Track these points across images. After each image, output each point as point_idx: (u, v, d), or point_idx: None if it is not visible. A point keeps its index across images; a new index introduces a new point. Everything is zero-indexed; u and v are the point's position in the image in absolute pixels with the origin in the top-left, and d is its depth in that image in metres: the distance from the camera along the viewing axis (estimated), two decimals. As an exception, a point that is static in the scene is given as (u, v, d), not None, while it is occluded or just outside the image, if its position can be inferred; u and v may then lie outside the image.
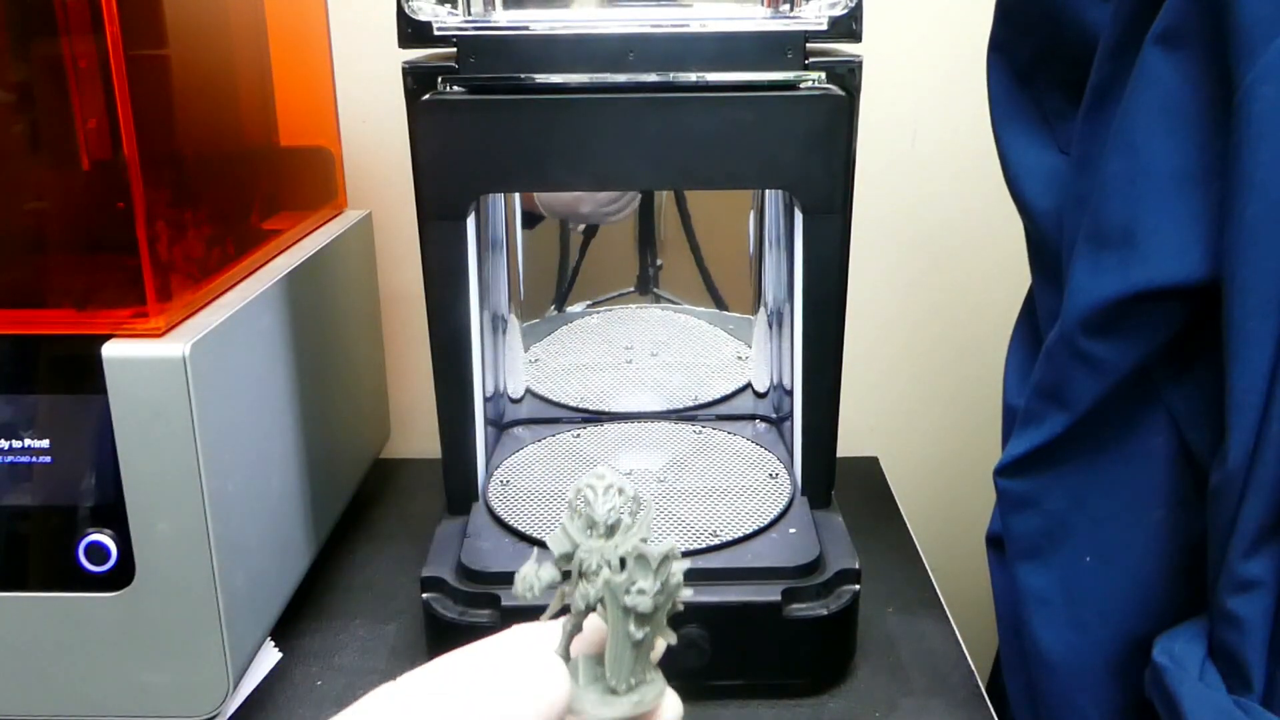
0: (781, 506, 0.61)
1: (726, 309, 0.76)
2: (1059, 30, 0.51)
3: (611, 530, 0.29)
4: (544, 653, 0.28)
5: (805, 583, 0.55)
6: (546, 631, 0.30)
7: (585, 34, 0.53)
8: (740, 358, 0.76)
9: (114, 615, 0.51)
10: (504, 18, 0.54)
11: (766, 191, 0.69)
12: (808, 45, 0.53)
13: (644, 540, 0.29)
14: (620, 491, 0.29)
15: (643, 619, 0.29)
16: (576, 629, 0.30)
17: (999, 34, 0.55)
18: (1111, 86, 0.47)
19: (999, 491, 0.53)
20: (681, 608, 0.30)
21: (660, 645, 0.30)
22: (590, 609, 0.29)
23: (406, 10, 0.53)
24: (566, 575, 0.29)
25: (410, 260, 0.61)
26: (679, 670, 0.54)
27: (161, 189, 0.52)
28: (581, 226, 0.74)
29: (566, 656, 0.30)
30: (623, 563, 0.28)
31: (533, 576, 0.30)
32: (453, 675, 0.28)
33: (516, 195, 0.70)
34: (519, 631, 0.30)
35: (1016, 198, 0.55)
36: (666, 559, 0.29)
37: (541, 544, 0.61)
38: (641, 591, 0.28)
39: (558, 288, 0.75)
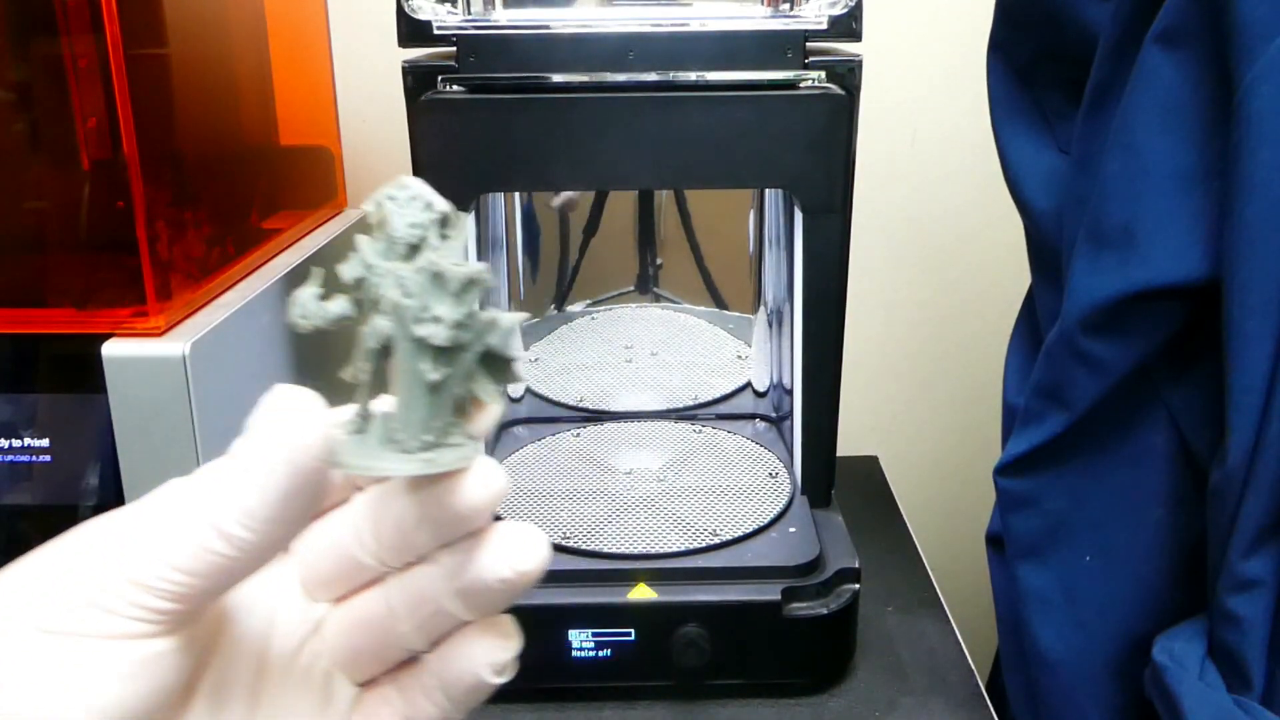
0: (781, 506, 0.61)
1: (726, 308, 0.76)
2: (1059, 30, 0.51)
3: (414, 252, 0.24)
4: (301, 393, 0.23)
5: (805, 582, 0.55)
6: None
7: (585, 33, 0.52)
8: (740, 357, 0.76)
9: (114, 615, 0.51)
10: (504, 17, 0.54)
11: (766, 191, 0.69)
12: (807, 45, 0.53)
13: (456, 266, 0.23)
14: (428, 206, 0.24)
15: (441, 356, 0.23)
16: (372, 374, 0.24)
17: (999, 33, 0.55)
18: (1111, 86, 0.47)
19: (999, 491, 0.53)
20: (517, 375, 0.25)
21: (490, 412, 0.25)
22: (386, 349, 0.24)
23: (406, 9, 0.53)
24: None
25: (410, 260, 0.61)
26: (680, 670, 0.54)
27: (161, 188, 0.52)
28: (581, 226, 0.74)
29: (366, 412, 0.25)
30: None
31: (310, 302, 0.24)
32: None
33: (516, 194, 0.70)
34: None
35: (1016, 197, 0.55)
36: (472, 283, 0.23)
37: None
38: (436, 319, 0.23)
39: (557, 287, 0.75)
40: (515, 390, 0.75)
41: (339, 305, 0.24)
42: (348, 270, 0.24)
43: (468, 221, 0.25)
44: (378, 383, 0.24)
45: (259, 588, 0.26)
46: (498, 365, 0.25)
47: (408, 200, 0.24)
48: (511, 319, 0.24)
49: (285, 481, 0.22)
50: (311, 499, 0.23)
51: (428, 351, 0.23)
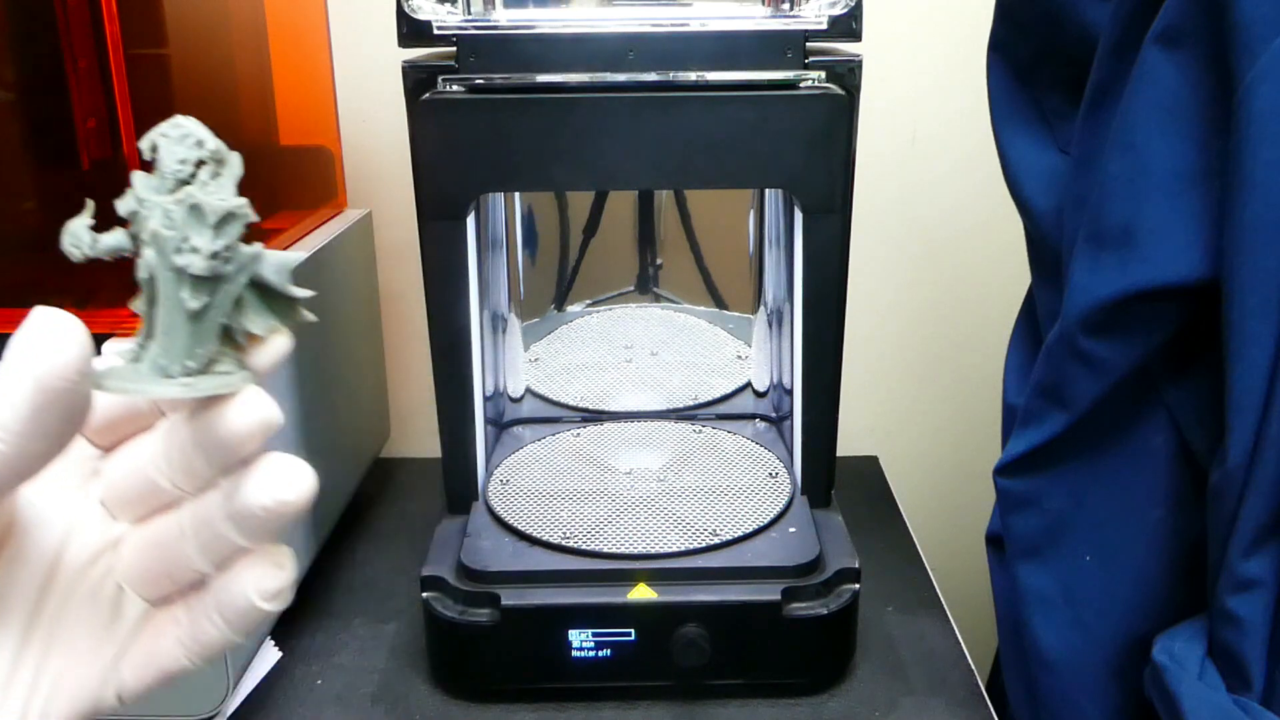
0: (781, 506, 0.61)
1: (726, 308, 0.76)
2: (1059, 30, 0.51)
3: (182, 187, 0.25)
4: (57, 315, 0.24)
5: (805, 582, 0.55)
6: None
7: (585, 33, 0.53)
8: (740, 357, 0.76)
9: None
10: (504, 17, 0.54)
11: (766, 191, 0.69)
12: (808, 45, 0.53)
13: (218, 200, 0.25)
14: (199, 143, 0.25)
15: (200, 285, 0.25)
16: (148, 304, 0.25)
17: (999, 33, 0.55)
18: (1111, 86, 0.47)
19: (999, 491, 0.53)
20: (301, 314, 0.27)
21: (270, 347, 0.27)
22: (155, 279, 0.25)
23: (406, 9, 0.53)
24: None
25: (410, 260, 0.61)
26: (680, 670, 0.54)
27: (161, 188, 0.52)
28: (581, 226, 0.74)
29: (144, 342, 0.26)
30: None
31: (82, 231, 0.26)
32: None
33: (516, 194, 0.70)
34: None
35: (1016, 197, 0.55)
36: (231, 216, 0.25)
37: (542, 544, 0.61)
38: (194, 249, 0.24)
39: (558, 287, 0.75)
40: (515, 390, 0.75)
41: (113, 238, 0.26)
42: (122, 205, 0.25)
43: (237, 160, 0.26)
44: (150, 308, 0.26)
45: (55, 502, 0.28)
46: (278, 301, 0.26)
47: (179, 138, 0.25)
48: (282, 256, 0.25)
49: (33, 397, 0.23)
50: (65, 416, 0.24)
51: (187, 280, 0.25)
